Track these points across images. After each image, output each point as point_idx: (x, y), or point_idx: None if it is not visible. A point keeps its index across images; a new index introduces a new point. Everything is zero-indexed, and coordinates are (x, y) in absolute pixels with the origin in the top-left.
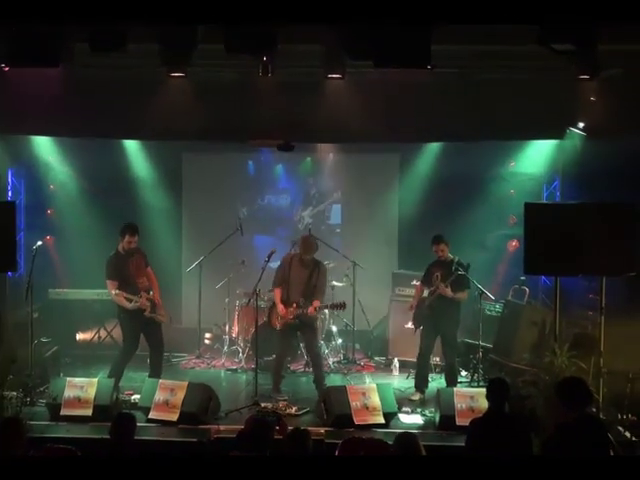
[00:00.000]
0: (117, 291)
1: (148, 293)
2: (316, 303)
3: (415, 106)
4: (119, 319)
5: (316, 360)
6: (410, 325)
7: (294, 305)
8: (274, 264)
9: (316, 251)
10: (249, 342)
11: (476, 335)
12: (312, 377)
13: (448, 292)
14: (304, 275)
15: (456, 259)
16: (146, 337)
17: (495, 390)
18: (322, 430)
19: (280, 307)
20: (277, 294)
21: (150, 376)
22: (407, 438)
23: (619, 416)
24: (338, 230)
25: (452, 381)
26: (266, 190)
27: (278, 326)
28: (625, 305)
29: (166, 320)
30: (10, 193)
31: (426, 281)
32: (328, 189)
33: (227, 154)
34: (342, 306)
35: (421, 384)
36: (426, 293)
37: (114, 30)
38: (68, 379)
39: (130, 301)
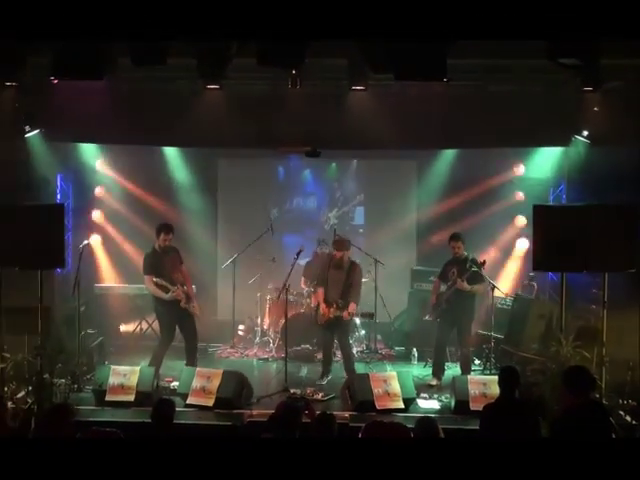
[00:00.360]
0: (157, 279)
1: (183, 287)
2: (352, 307)
3: (432, 116)
4: (156, 312)
5: (347, 351)
6: (428, 317)
7: (334, 305)
8: (302, 261)
9: (349, 248)
10: (279, 333)
11: (489, 327)
12: (338, 366)
13: (465, 286)
14: (341, 276)
15: (470, 257)
16: (180, 329)
17: (506, 378)
18: (347, 414)
19: (322, 306)
20: (320, 294)
21: (186, 365)
22: (427, 422)
23: (620, 401)
24: (361, 230)
25: (466, 369)
26: (295, 193)
27: (320, 322)
28: (626, 299)
29: (198, 313)
30: (59, 196)
31: (443, 277)
32: (352, 192)
33: (259, 160)
34: (371, 316)
35: (438, 372)
36: (443, 288)
37: (155, 46)
38: (112, 367)
39: (167, 291)
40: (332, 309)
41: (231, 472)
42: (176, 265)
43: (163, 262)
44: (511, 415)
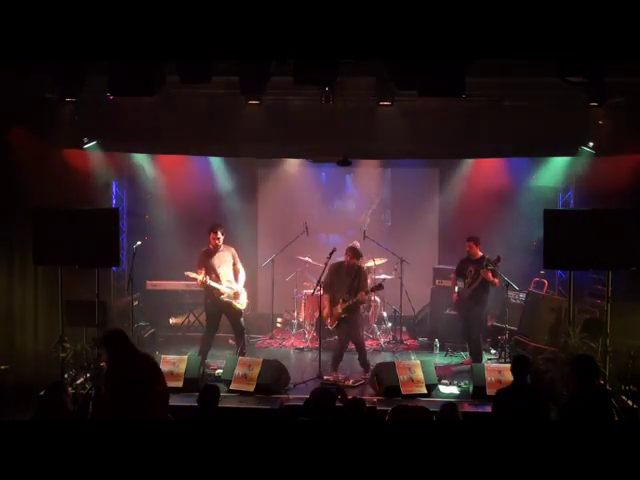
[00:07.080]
0: (190, 272)
1: (230, 283)
2: (361, 295)
3: (452, 128)
4: (205, 304)
5: (358, 345)
6: (448, 311)
7: (340, 301)
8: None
9: (360, 257)
10: (313, 325)
11: (503, 320)
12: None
13: (490, 276)
14: (349, 280)
15: (486, 256)
16: (230, 322)
17: (519, 365)
18: (375, 399)
19: (325, 311)
20: (324, 299)
21: (237, 354)
22: (450, 407)
23: (622, 387)
24: (389, 231)
25: (477, 356)
26: (335, 197)
27: (330, 325)
28: (628, 294)
29: (243, 308)
30: (114, 201)
31: (460, 273)
32: (382, 197)
33: (295, 169)
34: (380, 287)
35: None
36: (460, 284)
37: (200, 65)
38: (163, 356)
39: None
40: (340, 305)
41: (270, 452)
42: (224, 262)
43: (212, 258)
44: (523, 399)
